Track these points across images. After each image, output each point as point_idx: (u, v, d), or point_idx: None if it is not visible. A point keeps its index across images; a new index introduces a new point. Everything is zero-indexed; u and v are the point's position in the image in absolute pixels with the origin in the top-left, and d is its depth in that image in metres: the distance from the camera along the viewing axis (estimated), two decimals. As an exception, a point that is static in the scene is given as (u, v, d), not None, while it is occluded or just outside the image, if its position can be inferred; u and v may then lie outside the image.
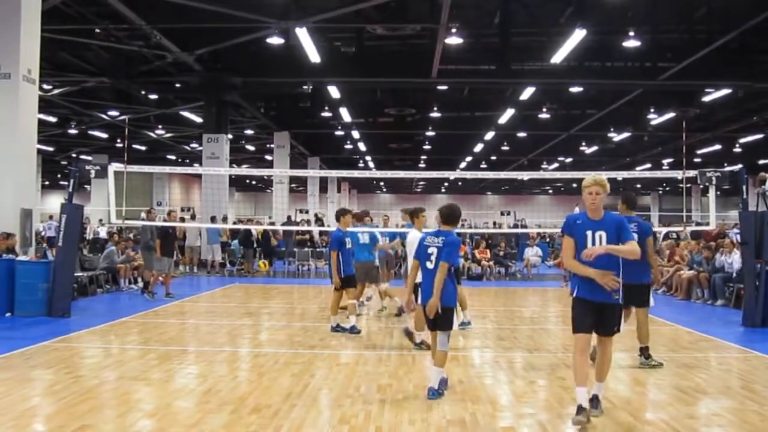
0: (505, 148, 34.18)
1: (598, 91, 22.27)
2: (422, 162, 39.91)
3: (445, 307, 5.72)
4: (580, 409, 4.92)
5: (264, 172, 33.44)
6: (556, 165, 39.23)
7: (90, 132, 28.91)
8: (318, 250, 20.63)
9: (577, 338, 5.04)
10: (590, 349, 5.15)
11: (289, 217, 24.91)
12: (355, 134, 30.05)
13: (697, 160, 33.09)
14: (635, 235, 7.06)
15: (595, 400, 5.13)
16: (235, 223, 26.35)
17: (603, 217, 5.05)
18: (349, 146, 34.40)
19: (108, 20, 15.22)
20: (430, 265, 5.83)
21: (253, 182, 56.32)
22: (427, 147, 35.04)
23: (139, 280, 14.40)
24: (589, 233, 5.00)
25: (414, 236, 7.47)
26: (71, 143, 32.13)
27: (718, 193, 14.44)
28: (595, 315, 4.99)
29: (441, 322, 5.77)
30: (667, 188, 46.42)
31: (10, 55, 10.59)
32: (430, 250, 5.86)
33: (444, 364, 5.83)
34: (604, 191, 5.03)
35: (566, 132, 27.63)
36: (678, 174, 11.24)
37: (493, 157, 37.44)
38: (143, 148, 33.57)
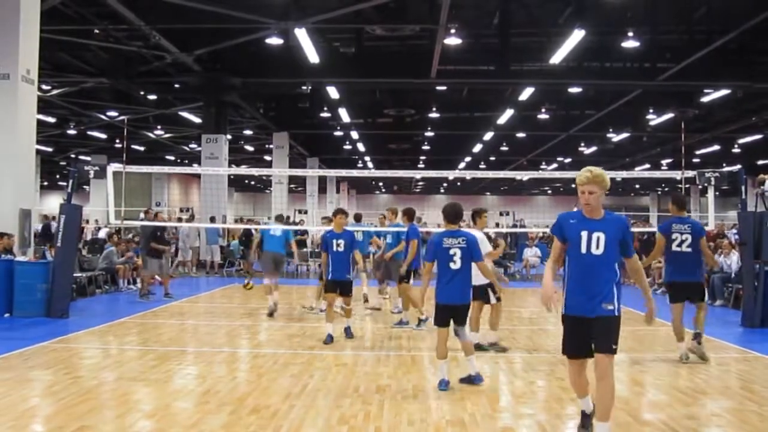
0: (505, 148, 34.18)
1: (597, 92, 22.28)
2: (421, 162, 39.83)
3: (465, 304, 6.07)
4: (585, 418, 4.51)
5: (263, 172, 33.43)
6: (555, 165, 39.22)
7: (89, 132, 28.88)
8: (317, 250, 20.57)
9: (570, 363, 4.48)
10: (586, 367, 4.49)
11: (288, 218, 24.87)
12: (354, 135, 30.00)
13: (696, 160, 33.09)
14: (689, 237, 7.15)
15: None
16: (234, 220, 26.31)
17: (603, 216, 4.35)
18: (348, 147, 34.35)
19: (107, 21, 15.21)
20: (454, 266, 6.01)
21: (252, 182, 56.30)
22: (426, 147, 34.97)
23: (138, 280, 14.38)
24: (584, 234, 4.31)
25: (481, 237, 7.28)
26: (70, 144, 32.11)
27: (717, 193, 14.44)
28: (588, 333, 4.29)
29: (460, 318, 6.08)
30: (666, 189, 46.43)
31: (9, 56, 10.57)
32: (452, 252, 6.01)
33: (473, 351, 6.19)
34: (601, 189, 4.28)
35: (565, 132, 27.62)
36: (677, 174, 11.23)
37: (492, 158, 37.40)
38: (142, 148, 33.53)
